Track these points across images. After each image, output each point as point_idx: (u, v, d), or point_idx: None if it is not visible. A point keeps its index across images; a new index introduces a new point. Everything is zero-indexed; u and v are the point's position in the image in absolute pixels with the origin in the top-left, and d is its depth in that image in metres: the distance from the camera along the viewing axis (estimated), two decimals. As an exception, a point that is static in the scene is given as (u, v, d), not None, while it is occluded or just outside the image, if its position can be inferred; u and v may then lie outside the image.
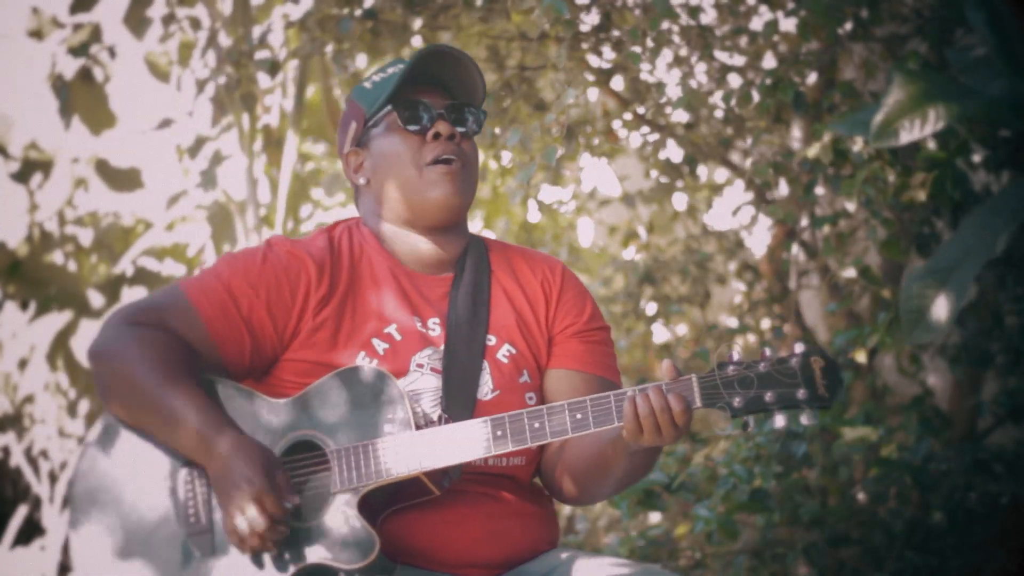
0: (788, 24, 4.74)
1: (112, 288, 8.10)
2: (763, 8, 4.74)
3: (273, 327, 2.79)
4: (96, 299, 8.09)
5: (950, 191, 4.04)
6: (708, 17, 4.70)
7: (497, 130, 4.65)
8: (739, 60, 4.78)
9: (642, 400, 2.59)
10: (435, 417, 2.76)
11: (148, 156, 8.30)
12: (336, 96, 7.41)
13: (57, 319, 7.98)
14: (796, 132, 5.38)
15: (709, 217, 5.99)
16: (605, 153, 5.25)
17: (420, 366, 2.81)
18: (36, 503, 7.81)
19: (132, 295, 8.07)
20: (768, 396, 2.60)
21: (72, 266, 8.29)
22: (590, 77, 4.42)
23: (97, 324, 7.81)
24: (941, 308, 2.84)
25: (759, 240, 6.00)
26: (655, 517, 5.27)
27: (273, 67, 4.87)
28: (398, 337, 2.81)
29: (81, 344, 7.85)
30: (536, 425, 2.66)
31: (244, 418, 2.75)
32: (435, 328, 2.85)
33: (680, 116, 5.00)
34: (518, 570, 2.81)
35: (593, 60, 4.54)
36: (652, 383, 2.63)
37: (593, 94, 5.23)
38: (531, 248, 3.10)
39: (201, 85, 6.55)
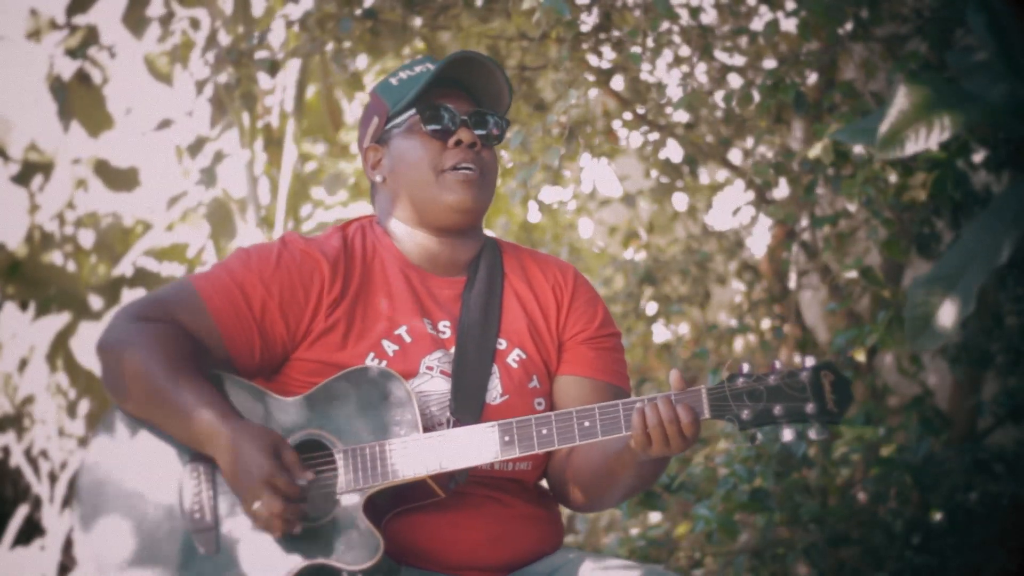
0: (788, 24, 4.74)
1: (112, 289, 8.10)
2: (763, 8, 4.74)
3: (285, 327, 2.79)
4: (96, 300, 8.10)
5: (951, 191, 4.05)
6: (708, 17, 4.71)
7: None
8: (739, 60, 4.78)
9: (651, 411, 2.59)
10: (443, 420, 2.76)
11: (148, 157, 8.30)
12: (336, 96, 7.41)
13: (57, 320, 7.98)
14: (796, 132, 5.38)
15: (709, 217, 5.99)
16: (605, 153, 5.25)
17: (430, 368, 2.80)
18: (36, 503, 7.81)
19: (132, 296, 8.07)
20: (777, 409, 2.61)
21: (72, 267, 8.29)
22: (590, 77, 4.42)
23: (97, 325, 7.81)
24: (946, 315, 2.83)
25: (759, 240, 6.00)
26: (655, 517, 5.27)
27: (273, 67, 4.87)
28: (408, 339, 2.81)
29: (80, 344, 7.84)
30: (544, 431, 2.66)
31: (252, 416, 2.75)
32: (445, 331, 2.85)
33: (680, 116, 5.00)
34: (522, 572, 2.82)
35: (593, 60, 4.54)
36: (661, 394, 2.63)
37: (593, 94, 5.23)
38: (543, 252, 3.09)
39: (200, 85, 6.55)
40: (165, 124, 7.75)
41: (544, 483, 2.95)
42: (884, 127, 2.87)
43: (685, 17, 4.37)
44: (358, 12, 4.56)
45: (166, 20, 6.62)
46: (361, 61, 6.67)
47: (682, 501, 4.72)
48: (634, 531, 4.90)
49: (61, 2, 7.39)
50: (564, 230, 6.35)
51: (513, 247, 3.01)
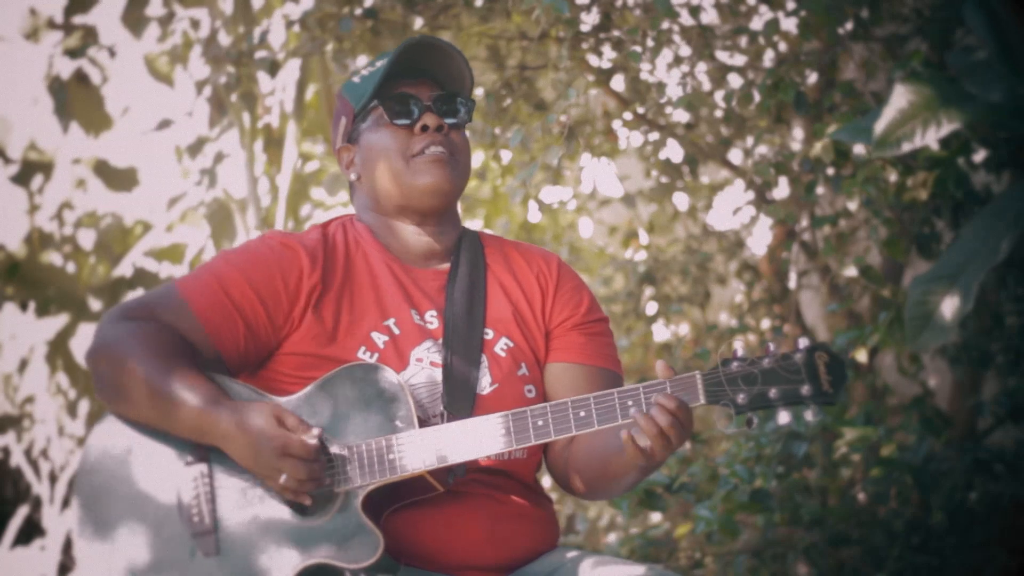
0: (788, 24, 4.74)
1: (111, 289, 8.10)
2: (763, 8, 4.74)
3: (266, 313, 2.79)
4: (95, 301, 8.10)
5: (952, 190, 4.04)
6: (708, 16, 4.71)
7: (497, 130, 4.65)
8: (739, 60, 4.78)
9: (647, 423, 2.58)
10: (436, 412, 2.76)
11: (147, 157, 8.30)
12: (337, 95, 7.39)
13: (57, 320, 7.98)
14: (797, 132, 5.38)
15: (709, 217, 5.99)
16: (605, 153, 5.25)
17: (420, 360, 2.80)
18: (36, 503, 7.81)
19: (132, 296, 8.07)
20: (772, 392, 2.59)
21: (71, 267, 8.29)
22: (590, 77, 4.41)
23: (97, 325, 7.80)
24: (946, 313, 2.83)
25: (759, 240, 6.00)
26: (655, 517, 5.27)
27: (273, 66, 4.87)
28: (397, 331, 2.81)
29: (80, 345, 7.85)
30: (540, 423, 2.65)
31: None
32: (433, 321, 2.85)
33: (680, 116, 5.00)
34: (520, 571, 2.81)
35: (593, 60, 4.54)
36: (657, 380, 2.62)
37: (593, 94, 5.23)
38: (529, 243, 3.09)
39: (200, 86, 6.55)
40: (165, 124, 7.74)
41: (540, 478, 2.94)
42: (881, 125, 2.87)
43: (685, 16, 4.37)
44: (358, 12, 4.56)
45: (166, 20, 6.63)
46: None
47: (683, 501, 4.72)
48: (634, 531, 4.90)
49: (60, 2, 7.39)
50: (564, 230, 6.35)
51: (495, 238, 3.02)
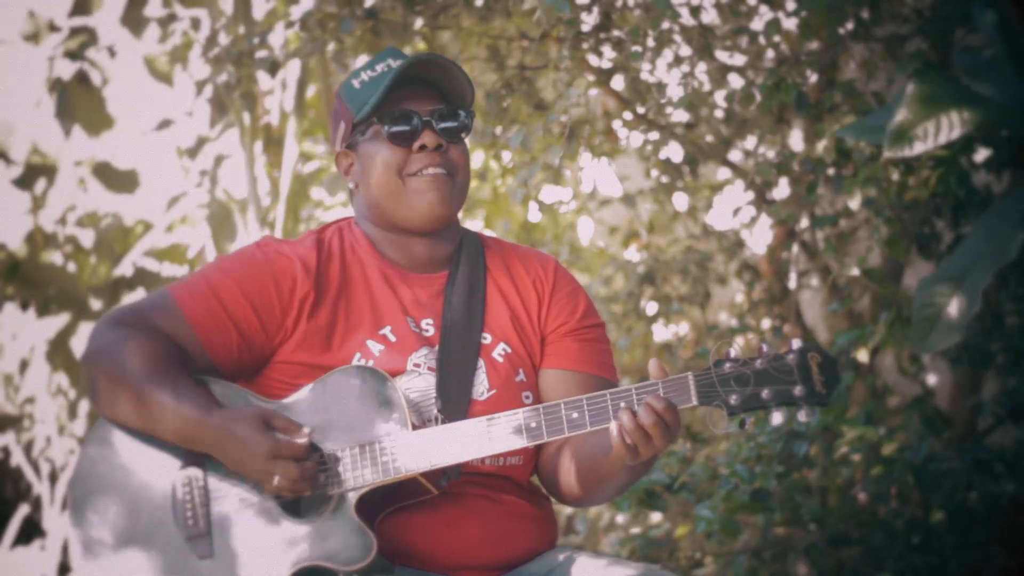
0: (789, 24, 4.74)
1: (112, 289, 8.10)
2: (763, 8, 4.74)
3: (259, 322, 2.79)
4: (96, 300, 8.10)
5: (955, 189, 4.04)
6: (709, 16, 4.71)
7: (498, 130, 4.65)
8: (739, 60, 4.78)
9: (628, 419, 2.57)
10: (431, 417, 2.76)
11: (148, 157, 8.30)
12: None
13: (57, 320, 7.98)
14: (797, 132, 5.38)
15: (709, 217, 5.99)
16: (605, 153, 5.25)
17: (417, 366, 2.80)
18: (36, 503, 7.81)
19: (132, 296, 8.08)
20: (765, 393, 2.59)
21: (71, 267, 8.29)
22: (590, 77, 4.42)
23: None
24: (954, 314, 2.83)
25: (759, 240, 6.00)
26: (655, 517, 5.27)
27: (273, 67, 4.87)
28: (393, 338, 2.81)
29: (81, 344, 7.84)
30: (533, 425, 2.65)
31: None
32: (429, 328, 2.85)
33: (680, 116, 5.00)
34: (517, 571, 2.81)
35: (593, 60, 4.54)
36: (650, 382, 2.61)
37: (592, 94, 5.23)
38: (527, 246, 3.08)
39: (200, 86, 6.56)
40: (165, 124, 7.75)
41: (535, 479, 2.94)
42: (893, 124, 2.86)
43: (686, 16, 4.37)
44: (359, 12, 4.56)
45: (166, 20, 6.63)
46: (362, 61, 6.67)
47: (683, 501, 4.72)
48: (634, 531, 4.90)
49: (60, 4, 7.39)
50: (564, 230, 6.35)
51: (495, 241, 3.01)
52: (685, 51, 4.49)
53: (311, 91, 7.63)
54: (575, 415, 2.63)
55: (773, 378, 2.59)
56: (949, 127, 2.89)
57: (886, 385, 5.07)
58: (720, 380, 2.60)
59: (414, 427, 2.68)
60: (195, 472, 2.74)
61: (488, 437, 2.66)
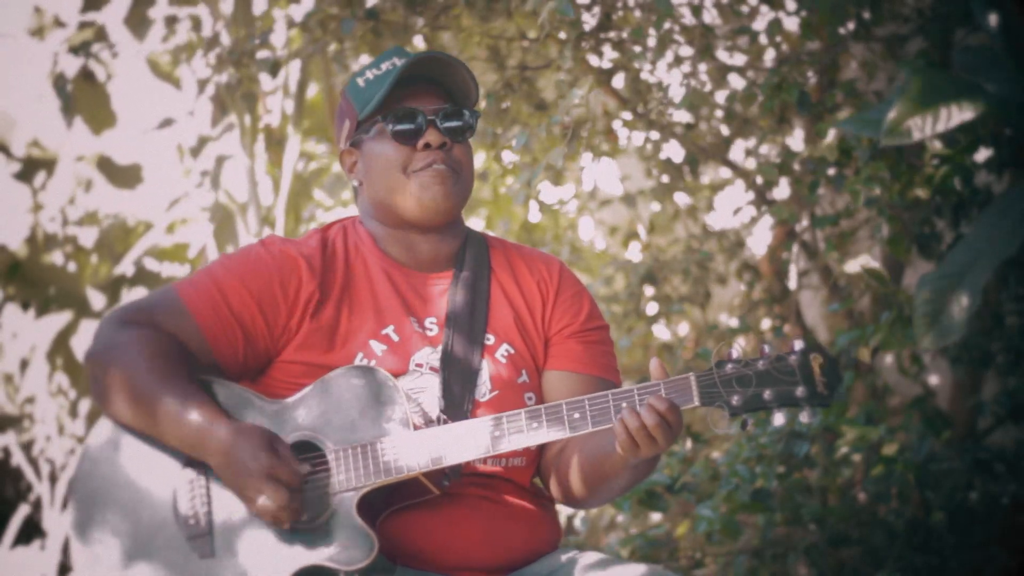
0: (789, 23, 4.74)
1: (112, 288, 8.11)
2: (764, 8, 4.75)
3: (265, 323, 2.79)
4: (96, 299, 8.10)
5: (959, 188, 4.04)
6: (709, 16, 4.71)
7: (499, 130, 4.65)
8: (739, 60, 4.79)
9: (632, 418, 2.58)
10: (434, 417, 2.76)
11: (150, 156, 8.30)
12: (339, 95, 7.40)
13: (58, 319, 7.98)
14: (797, 132, 5.38)
15: (709, 217, 6.00)
16: (606, 153, 5.25)
17: (420, 366, 2.80)
18: (37, 503, 7.81)
19: (132, 295, 8.08)
20: (767, 394, 2.59)
21: (72, 266, 8.29)
22: (590, 77, 4.41)
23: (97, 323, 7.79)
24: (955, 312, 2.83)
25: (759, 240, 6.00)
26: (655, 517, 5.28)
27: (274, 67, 4.87)
28: (396, 338, 2.81)
29: (81, 344, 7.85)
30: (535, 425, 2.65)
31: (242, 419, 2.74)
32: (432, 328, 2.84)
33: (680, 116, 5.00)
34: (519, 572, 2.81)
35: (593, 59, 4.54)
36: (651, 382, 2.61)
37: (593, 93, 5.23)
38: (531, 247, 3.08)
39: (202, 85, 6.57)
40: (167, 123, 7.75)
41: (538, 480, 2.94)
42: (891, 115, 2.86)
43: (688, 16, 4.37)
44: (359, 13, 4.56)
45: (170, 21, 6.63)
46: (364, 61, 6.67)
47: (682, 501, 4.72)
48: (634, 531, 4.90)
49: (69, 1, 7.40)
50: (565, 230, 6.35)
51: (500, 242, 3.01)
52: (685, 51, 4.49)
53: (312, 91, 7.64)
54: (577, 416, 2.63)
55: (775, 379, 2.60)
56: (947, 118, 2.89)
57: (886, 385, 5.08)
58: (722, 381, 2.60)
59: (415, 427, 2.69)
60: (197, 472, 2.74)
61: (489, 437, 2.66)
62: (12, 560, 7.48)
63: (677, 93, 4.53)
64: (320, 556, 2.67)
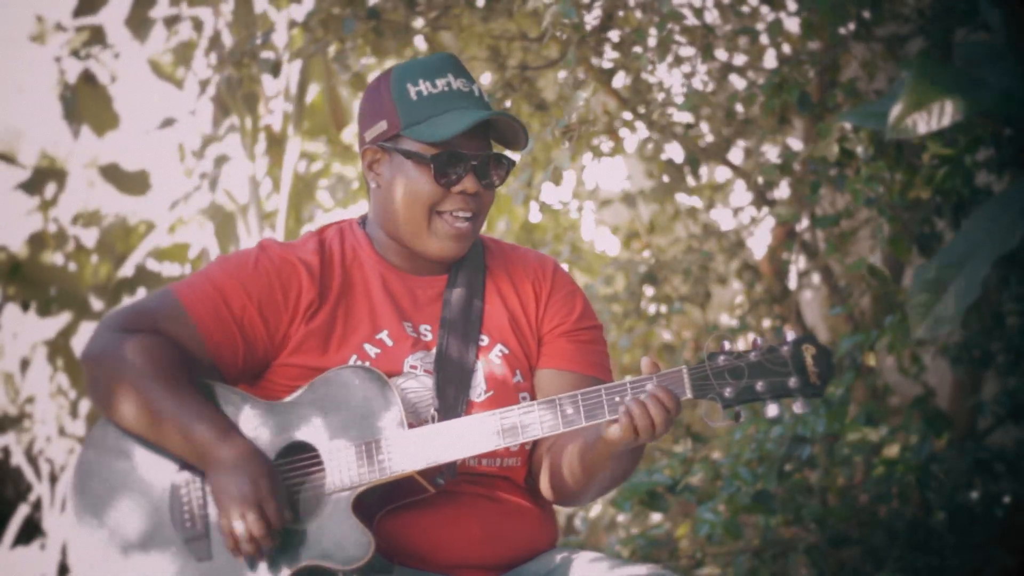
0: (790, 23, 4.74)
1: (113, 289, 8.11)
2: (764, 8, 4.75)
3: (265, 329, 2.79)
4: (97, 300, 8.10)
5: (961, 187, 4.04)
6: (710, 16, 4.71)
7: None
8: (739, 60, 4.79)
9: (638, 409, 2.58)
10: (427, 418, 2.75)
11: (151, 156, 8.31)
12: (340, 95, 7.40)
13: (58, 320, 7.99)
14: (797, 132, 5.39)
15: (710, 217, 6.00)
16: (606, 153, 5.25)
17: (413, 368, 2.79)
18: (36, 503, 7.81)
19: (133, 295, 8.08)
20: (759, 385, 2.59)
21: (72, 267, 8.30)
22: (587, 77, 4.42)
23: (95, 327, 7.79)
24: (949, 304, 2.83)
25: (760, 240, 6.01)
26: (656, 517, 5.28)
27: (275, 67, 4.87)
28: (389, 343, 2.80)
29: (81, 345, 7.84)
30: (528, 421, 2.64)
31: (239, 421, 2.75)
32: (427, 334, 2.84)
33: (681, 116, 5.00)
34: (516, 571, 2.80)
35: (593, 60, 4.55)
36: (644, 376, 2.61)
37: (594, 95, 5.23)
38: (527, 247, 3.08)
39: (204, 85, 6.57)
40: (168, 122, 7.75)
41: (533, 479, 2.95)
42: (895, 109, 2.85)
43: (690, 17, 4.37)
44: (361, 13, 4.57)
45: (171, 21, 6.64)
46: (363, 62, 6.67)
47: (683, 501, 4.73)
48: (635, 531, 4.90)
49: (67, 5, 7.40)
50: (565, 230, 6.35)
51: (495, 242, 3.00)
52: (685, 51, 4.50)
53: (314, 91, 7.64)
54: (569, 410, 2.63)
55: (767, 370, 2.60)
56: (952, 112, 2.89)
57: (887, 385, 5.08)
58: (714, 373, 2.60)
59: (410, 426, 2.69)
60: (194, 474, 2.74)
61: (483, 434, 2.66)
62: (12, 560, 7.49)
63: (678, 93, 4.54)
64: (317, 556, 2.67)
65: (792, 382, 2.59)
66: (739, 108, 4.92)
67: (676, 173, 5.33)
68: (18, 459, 7.83)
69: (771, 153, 5.27)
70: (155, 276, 8.13)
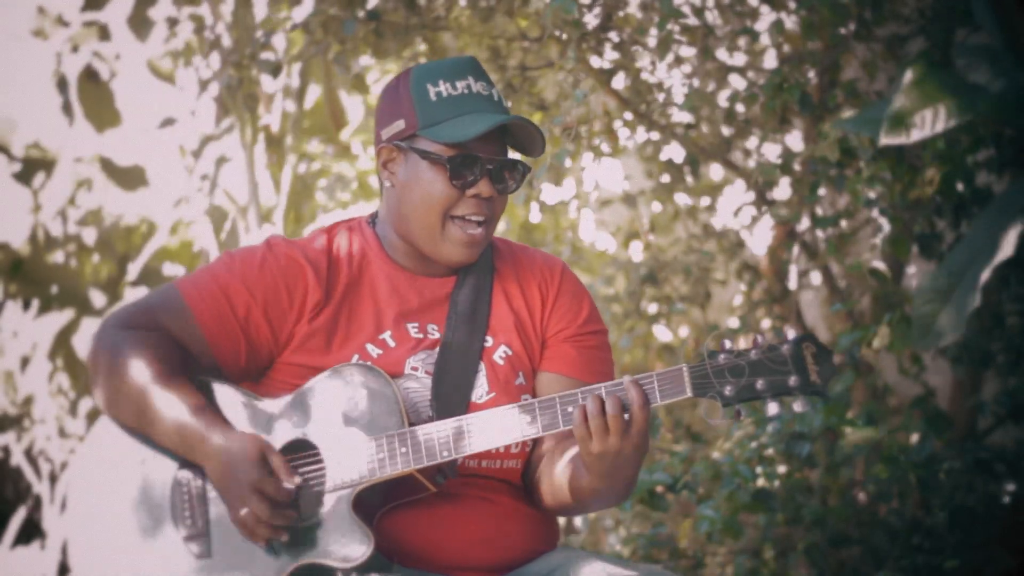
0: (790, 23, 4.75)
1: (114, 287, 8.11)
2: (764, 8, 4.75)
3: (270, 330, 2.79)
4: (98, 298, 8.10)
5: (960, 188, 4.04)
6: (711, 16, 4.71)
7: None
8: (739, 60, 4.79)
9: (592, 404, 2.58)
10: (427, 418, 2.75)
11: (151, 155, 8.30)
12: (340, 96, 7.40)
13: (58, 318, 7.98)
14: (796, 132, 5.39)
15: (710, 217, 6.00)
16: (606, 153, 5.26)
17: (415, 368, 2.79)
18: (36, 503, 7.81)
19: (133, 294, 8.08)
20: (759, 384, 2.59)
21: (74, 265, 8.29)
22: (587, 77, 4.42)
23: (99, 322, 7.79)
24: (954, 311, 2.83)
25: (760, 240, 6.01)
26: (656, 517, 5.28)
27: (276, 69, 4.87)
28: (392, 343, 2.80)
29: (82, 343, 7.85)
30: (528, 420, 2.64)
31: (239, 419, 2.74)
32: (433, 333, 2.83)
33: (681, 116, 5.01)
34: (517, 572, 2.80)
35: (594, 60, 4.55)
36: (642, 375, 2.61)
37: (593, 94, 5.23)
38: (535, 248, 3.07)
39: (204, 85, 6.56)
40: (168, 122, 7.75)
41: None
42: (890, 112, 2.86)
43: (690, 17, 4.37)
44: (361, 14, 4.57)
45: (172, 22, 6.63)
46: (363, 62, 6.67)
47: (684, 501, 4.73)
48: (635, 531, 4.90)
49: (71, 0, 7.41)
50: (565, 230, 6.36)
51: (504, 243, 2.99)
52: (686, 51, 4.50)
53: (314, 91, 7.64)
54: (570, 409, 2.63)
55: (768, 369, 2.59)
56: (947, 115, 2.89)
57: (887, 385, 5.08)
58: (714, 371, 2.59)
59: (410, 425, 2.68)
60: (193, 472, 2.74)
61: (484, 432, 2.66)
62: (12, 560, 7.48)
63: (678, 93, 4.54)
64: (317, 554, 2.67)
65: (792, 381, 2.58)
66: (740, 108, 4.93)
67: (676, 173, 5.33)
68: (18, 459, 7.83)
69: (771, 153, 5.27)
70: (156, 275, 8.13)
